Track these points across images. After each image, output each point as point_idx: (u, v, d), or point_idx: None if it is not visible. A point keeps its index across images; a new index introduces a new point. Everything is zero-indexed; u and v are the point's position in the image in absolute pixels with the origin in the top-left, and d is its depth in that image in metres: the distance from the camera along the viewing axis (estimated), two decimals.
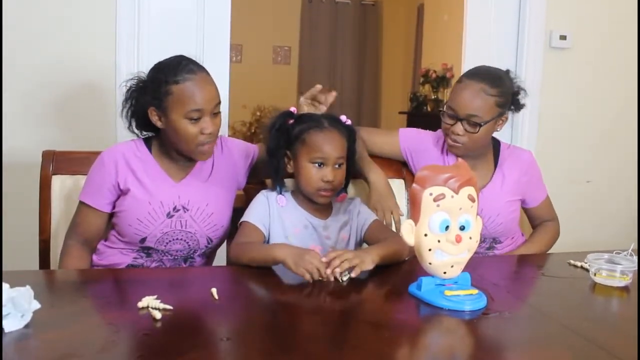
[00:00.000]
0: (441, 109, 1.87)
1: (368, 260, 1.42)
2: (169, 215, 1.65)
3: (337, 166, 1.61)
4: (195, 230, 1.67)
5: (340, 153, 1.62)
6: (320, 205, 1.65)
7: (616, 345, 1.09)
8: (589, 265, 1.50)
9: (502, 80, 1.82)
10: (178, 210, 1.65)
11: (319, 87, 1.80)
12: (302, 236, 1.63)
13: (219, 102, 1.62)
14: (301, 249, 1.44)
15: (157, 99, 1.58)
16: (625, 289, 1.41)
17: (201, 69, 1.61)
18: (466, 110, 1.77)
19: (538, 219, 2.02)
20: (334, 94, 1.79)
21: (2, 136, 2.21)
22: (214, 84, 1.62)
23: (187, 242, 1.68)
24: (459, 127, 1.79)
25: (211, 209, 1.69)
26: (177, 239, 1.66)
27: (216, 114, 1.61)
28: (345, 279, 1.39)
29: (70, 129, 2.30)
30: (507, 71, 1.90)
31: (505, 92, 1.81)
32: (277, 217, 1.64)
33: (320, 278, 1.37)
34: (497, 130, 1.85)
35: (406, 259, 1.57)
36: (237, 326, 1.18)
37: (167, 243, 1.66)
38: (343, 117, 1.69)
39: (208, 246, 1.72)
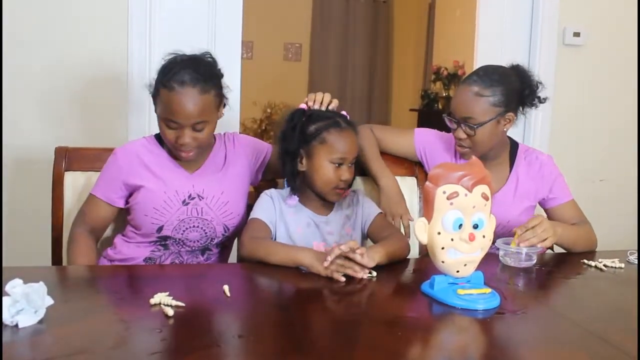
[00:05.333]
0: (444, 114, 1.83)
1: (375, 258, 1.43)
2: (185, 203, 1.65)
3: (350, 164, 1.62)
4: (211, 218, 1.68)
5: (356, 152, 1.63)
6: (325, 202, 1.65)
7: (630, 345, 1.08)
8: (498, 248, 1.57)
9: (500, 79, 1.74)
10: (193, 198, 1.66)
11: None
12: (305, 234, 1.63)
13: (204, 121, 1.56)
14: (325, 253, 1.42)
15: (155, 93, 1.60)
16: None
17: (195, 82, 1.53)
18: (461, 114, 1.74)
19: (565, 221, 1.79)
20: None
21: (6, 133, 2.22)
22: (203, 102, 1.55)
23: (204, 230, 1.68)
24: (459, 132, 1.77)
25: (226, 197, 1.69)
26: (193, 226, 1.67)
27: (199, 129, 1.57)
28: (368, 276, 1.40)
29: (83, 126, 2.31)
30: (516, 66, 1.82)
31: (504, 90, 1.73)
32: (281, 217, 1.64)
33: (352, 275, 1.38)
34: (504, 130, 1.78)
35: (407, 257, 1.58)
36: (249, 323, 1.18)
37: (184, 231, 1.67)
38: (343, 113, 1.69)
39: (225, 234, 1.72)
